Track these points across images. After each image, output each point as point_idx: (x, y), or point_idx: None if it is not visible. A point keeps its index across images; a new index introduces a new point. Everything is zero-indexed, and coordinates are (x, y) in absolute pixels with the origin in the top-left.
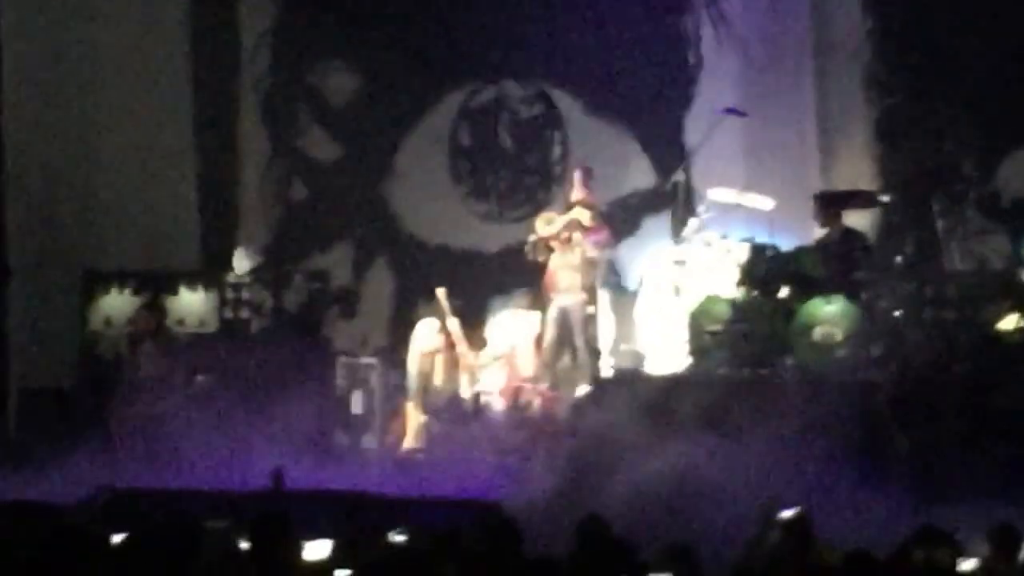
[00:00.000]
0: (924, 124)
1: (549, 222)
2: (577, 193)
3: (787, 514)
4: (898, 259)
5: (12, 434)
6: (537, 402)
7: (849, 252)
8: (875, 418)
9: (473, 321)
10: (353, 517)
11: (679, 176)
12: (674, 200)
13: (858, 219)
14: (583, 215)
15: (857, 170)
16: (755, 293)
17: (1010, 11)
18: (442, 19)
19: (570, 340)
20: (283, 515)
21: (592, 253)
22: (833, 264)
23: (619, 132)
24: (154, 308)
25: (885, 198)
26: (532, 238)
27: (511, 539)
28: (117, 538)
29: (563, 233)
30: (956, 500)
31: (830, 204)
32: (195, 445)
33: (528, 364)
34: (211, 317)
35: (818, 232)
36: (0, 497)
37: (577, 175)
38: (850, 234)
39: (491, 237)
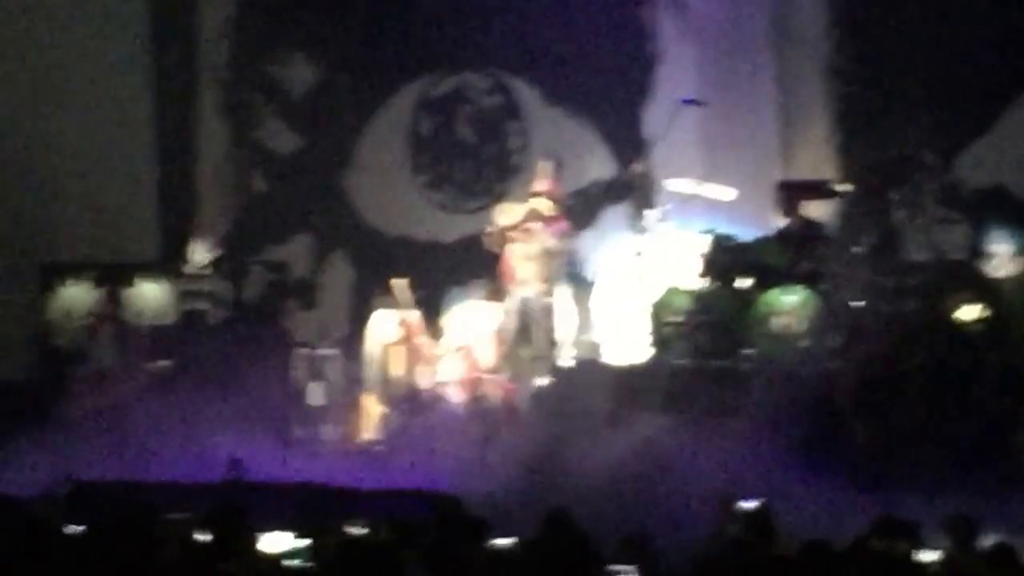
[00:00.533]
0: (884, 114)
1: (508, 212)
2: (543, 184)
3: (747, 506)
4: (858, 249)
5: None
6: (496, 393)
7: (809, 242)
8: (834, 408)
9: (432, 312)
10: (312, 509)
11: (639, 167)
12: (634, 191)
13: (818, 209)
14: (543, 205)
15: (817, 160)
16: (715, 284)
17: (971, 1)
18: (401, 9)
19: (529, 331)
20: (241, 507)
21: (551, 244)
22: (793, 254)
23: (578, 123)
24: (110, 303)
25: (845, 188)
26: (490, 228)
27: (471, 530)
28: (76, 530)
29: (522, 224)
30: (915, 490)
31: (791, 194)
32: (154, 435)
33: (487, 355)
34: (169, 309)
35: (779, 223)
36: None
37: (549, 166)
38: (811, 225)
39: (450, 228)
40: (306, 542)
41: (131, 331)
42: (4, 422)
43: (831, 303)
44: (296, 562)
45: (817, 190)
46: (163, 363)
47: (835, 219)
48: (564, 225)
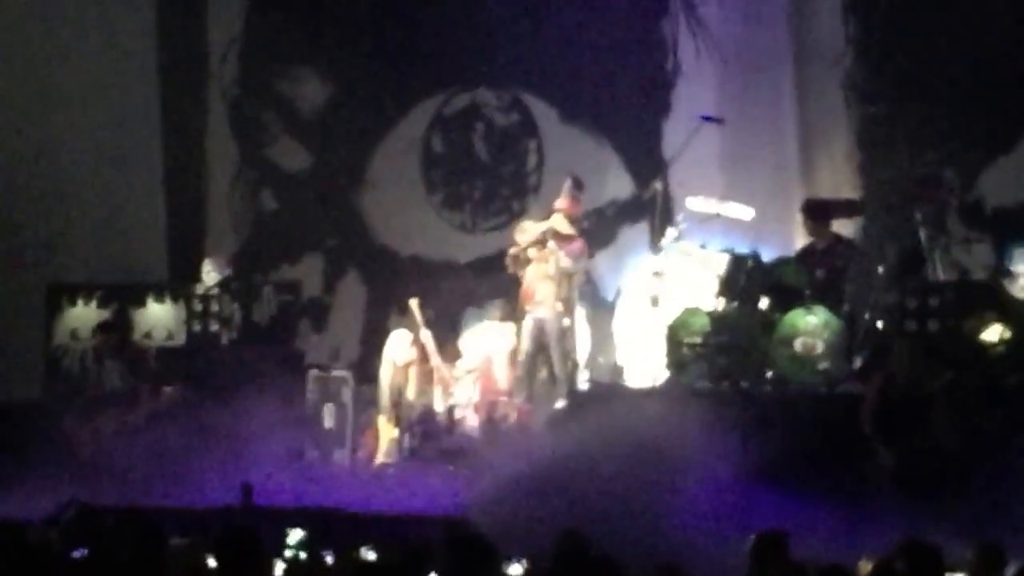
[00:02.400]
0: (906, 132)
1: (525, 231)
2: (562, 202)
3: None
4: (880, 269)
5: None
6: (512, 416)
7: (831, 262)
8: (857, 430)
9: (447, 333)
10: (324, 533)
11: (657, 185)
12: (652, 210)
13: (839, 228)
14: (560, 223)
15: (838, 179)
16: (735, 304)
17: (991, 18)
18: (415, 25)
19: (546, 353)
20: (252, 532)
21: (566, 264)
22: (814, 274)
23: (596, 141)
24: (118, 323)
25: (866, 207)
26: (512, 250)
27: (484, 556)
28: (81, 555)
29: (538, 243)
30: (939, 514)
31: (819, 212)
32: (163, 459)
33: (503, 377)
34: (179, 329)
35: (800, 242)
36: None
37: (567, 184)
38: (832, 244)
39: (465, 247)
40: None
41: (139, 353)
42: (10, 445)
43: (853, 324)
44: None
45: (838, 209)
46: (173, 385)
47: (856, 238)
48: (579, 245)
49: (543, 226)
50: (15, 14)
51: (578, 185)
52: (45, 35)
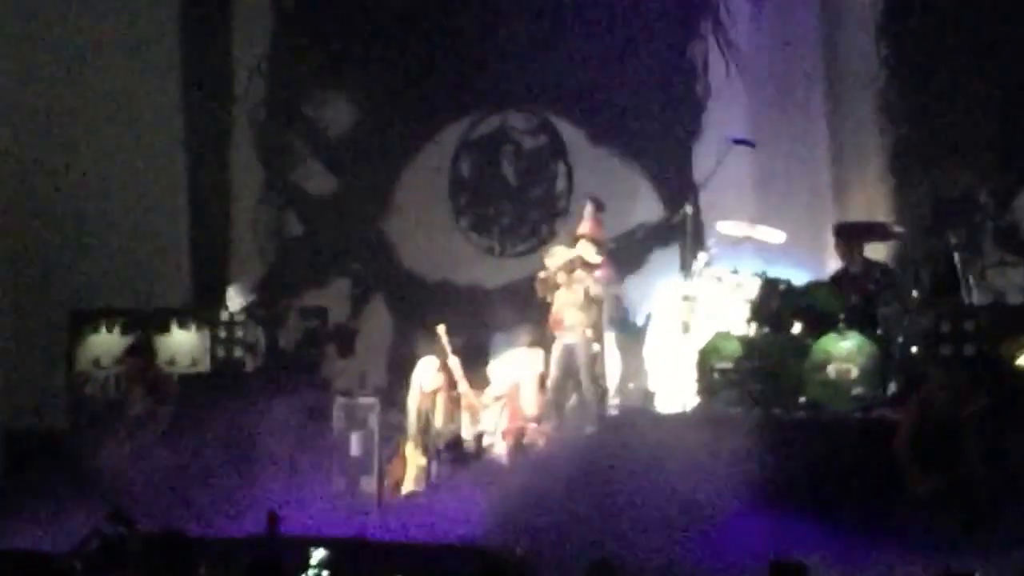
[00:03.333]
0: (939, 154)
1: (554, 255)
2: (585, 226)
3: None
4: (914, 293)
5: None
6: (541, 443)
7: (864, 286)
8: (891, 457)
9: (475, 359)
10: (350, 563)
11: (687, 209)
12: (682, 233)
13: (873, 252)
14: (588, 251)
15: (871, 202)
16: (766, 329)
17: None
18: (442, 48)
19: (575, 379)
20: (277, 561)
21: (595, 290)
22: (847, 299)
23: (625, 164)
24: (143, 350)
25: (900, 230)
26: (542, 274)
27: None
28: None
29: (566, 269)
30: (975, 542)
31: (845, 237)
32: (188, 487)
33: (532, 404)
34: (203, 356)
35: (832, 265)
36: None
37: (587, 207)
38: (865, 268)
39: (493, 272)
40: None
41: (164, 379)
42: (33, 473)
43: (887, 348)
44: None
45: (871, 232)
46: (197, 412)
47: (890, 262)
48: (609, 270)
49: (572, 254)
50: (39, 39)
51: (599, 206)
52: (69, 60)
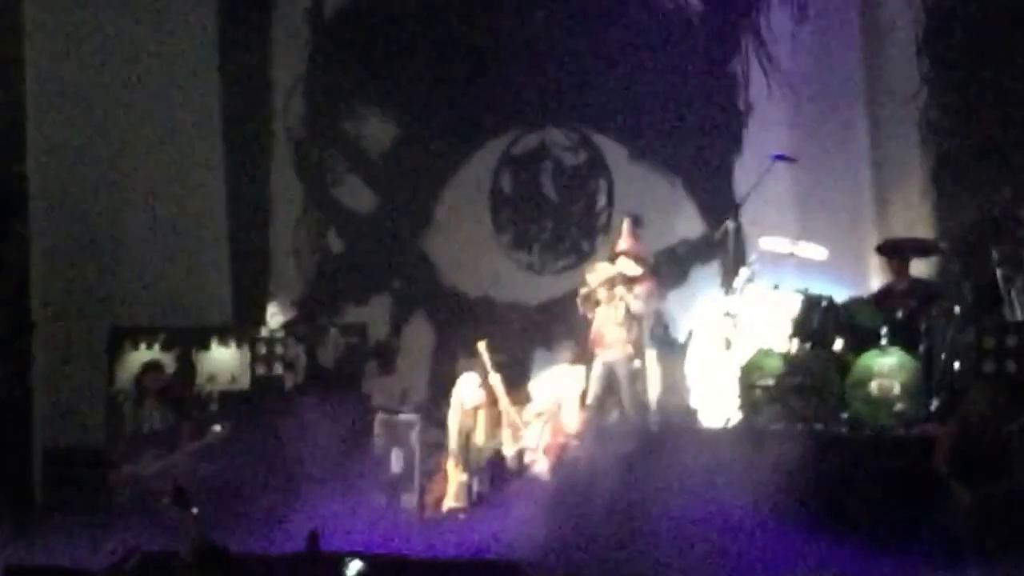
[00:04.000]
0: (981, 170)
1: (595, 271)
2: (624, 243)
3: None
4: (957, 309)
5: (37, 496)
6: (583, 460)
7: (905, 302)
8: (934, 474)
9: (516, 376)
10: None
11: (729, 225)
12: (724, 250)
13: (915, 268)
14: (626, 266)
15: (913, 218)
16: (808, 346)
17: None
18: (483, 64)
19: (616, 396)
20: None
21: (636, 307)
22: (889, 315)
23: (666, 180)
24: (161, 366)
25: (942, 246)
26: (583, 290)
27: None
28: None
29: (605, 285)
30: (1019, 559)
31: (903, 253)
32: (228, 504)
33: (573, 421)
34: (243, 373)
35: (875, 281)
36: (26, 563)
37: (625, 224)
38: (907, 284)
39: (534, 289)
40: None
41: (204, 397)
42: (73, 491)
43: (929, 364)
44: None
45: (920, 249)
46: (237, 430)
47: (932, 278)
48: (650, 286)
49: (613, 270)
50: (79, 63)
51: (636, 222)
52: (108, 77)
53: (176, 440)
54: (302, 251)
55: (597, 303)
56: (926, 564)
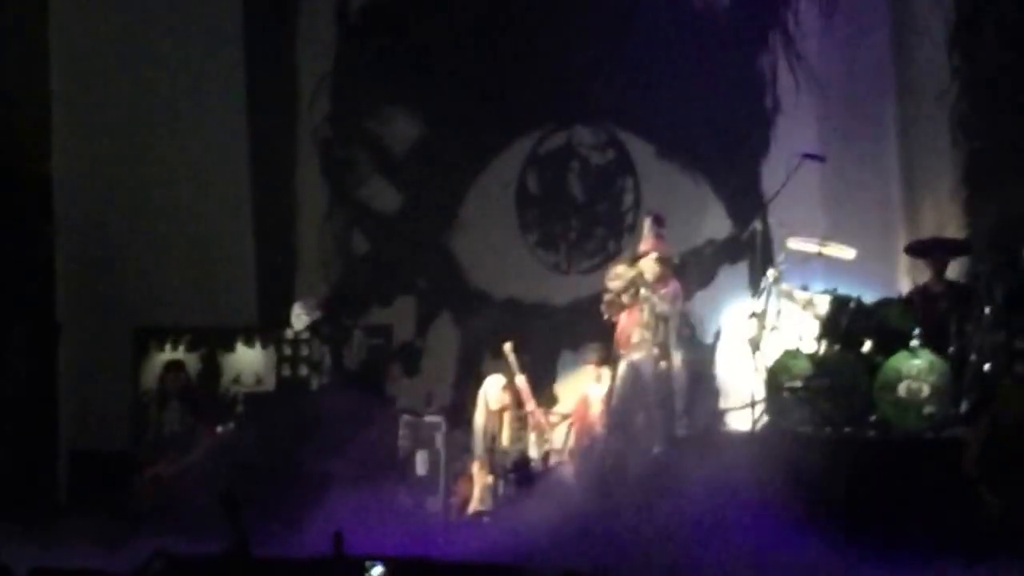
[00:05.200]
0: (1012, 169)
1: (616, 277)
2: (647, 243)
3: None
4: (986, 310)
5: (62, 497)
6: (609, 462)
7: (935, 303)
8: (964, 477)
9: (542, 378)
10: None
11: (756, 225)
12: (751, 250)
13: (944, 269)
14: (649, 267)
15: (943, 217)
16: (837, 347)
17: None
18: (509, 63)
19: (642, 397)
20: None
21: (661, 308)
22: (919, 316)
23: (693, 179)
24: (180, 367)
25: (972, 246)
26: (607, 297)
27: None
28: None
29: (629, 288)
30: None
31: (916, 253)
32: (251, 506)
33: (599, 423)
34: (268, 374)
35: (904, 282)
36: (51, 565)
37: (647, 223)
38: (937, 284)
39: (561, 289)
40: None
41: (229, 398)
42: (98, 493)
43: (960, 366)
44: None
45: (943, 248)
46: (261, 431)
47: (962, 279)
48: (676, 287)
49: (632, 273)
50: (104, 61)
51: (659, 222)
52: (134, 80)
53: (196, 441)
54: (327, 251)
55: (622, 307)
56: (954, 570)
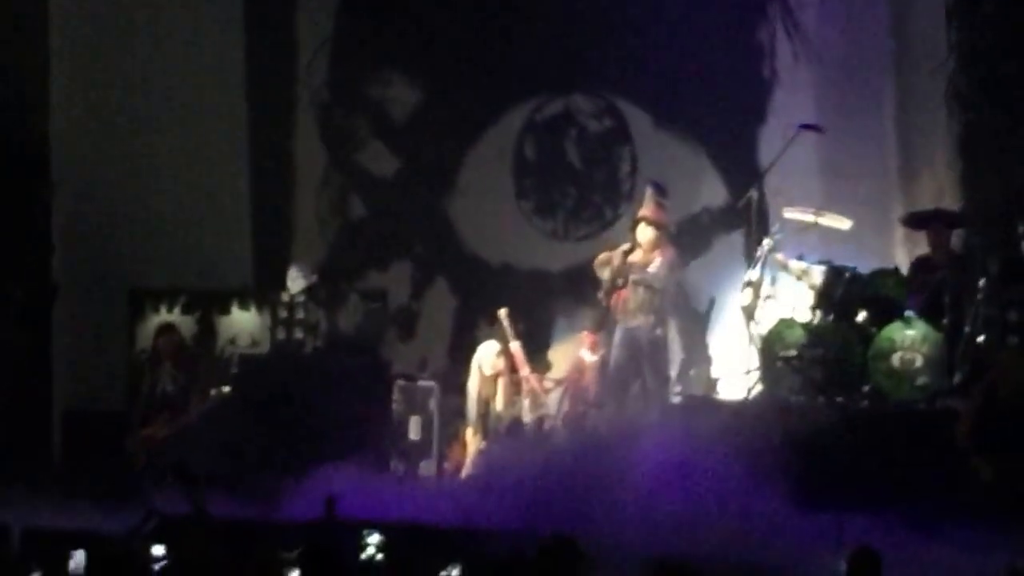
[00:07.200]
0: (1008, 141)
1: (604, 265)
2: (645, 209)
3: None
4: (981, 282)
5: (57, 458)
6: (603, 429)
7: (930, 274)
8: (957, 447)
9: (536, 343)
10: (408, 547)
11: (752, 194)
12: (747, 219)
13: (940, 240)
14: (646, 234)
15: (939, 189)
16: (831, 317)
17: None
18: (507, 29)
19: (637, 365)
20: (334, 546)
21: (659, 274)
22: (913, 287)
23: (690, 147)
24: (173, 329)
25: (968, 218)
26: (604, 286)
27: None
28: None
29: (618, 276)
30: None
31: (912, 224)
32: (245, 469)
33: (593, 389)
34: (263, 337)
35: (899, 253)
36: (45, 525)
37: (648, 191)
38: (932, 256)
39: (557, 256)
40: None
41: (223, 360)
42: (93, 454)
43: (953, 337)
44: None
45: (939, 220)
46: (256, 393)
47: (957, 250)
48: (672, 255)
49: (619, 260)
50: (104, 26)
51: (660, 191)
52: (132, 43)
53: (189, 403)
54: (324, 215)
55: (618, 290)
56: (948, 538)
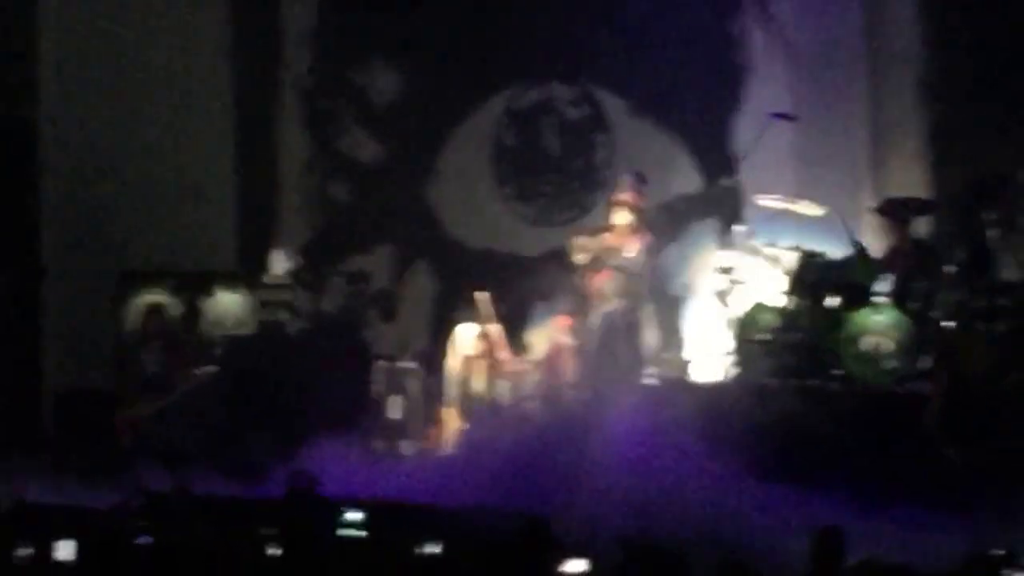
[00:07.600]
0: (978, 131)
1: (581, 249)
2: (623, 194)
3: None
4: (949, 269)
5: (47, 437)
6: (579, 411)
7: (900, 261)
8: (925, 431)
9: (515, 326)
10: (388, 525)
11: (727, 181)
12: (721, 206)
13: (909, 227)
14: (624, 219)
15: (909, 177)
16: (803, 302)
17: None
18: (488, 18)
19: (612, 348)
20: (313, 523)
21: (635, 259)
22: (883, 273)
23: (666, 135)
24: (160, 310)
25: (937, 206)
26: (582, 270)
27: (551, 550)
28: (147, 542)
29: (596, 261)
30: (1011, 519)
31: (883, 212)
32: (229, 448)
33: (570, 371)
34: (248, 319)
35: (870, 240)
36: (34, 501)
37: (628, 180)
38: (901, 243)
39: (535, 241)
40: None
41: (208, 341)
42: (81, 432)
43: (922, 323)
44: None
45: (909, 208)
46: (240, 374)
47: (926, 238)
48: (648, 239)
49: (595, 244)
50: (92, 7)
51: (640, 179)
52: (120, 26)
53: (174, 383)
54: (307, 199)
55: (596, 273)
56: (916, 520)
